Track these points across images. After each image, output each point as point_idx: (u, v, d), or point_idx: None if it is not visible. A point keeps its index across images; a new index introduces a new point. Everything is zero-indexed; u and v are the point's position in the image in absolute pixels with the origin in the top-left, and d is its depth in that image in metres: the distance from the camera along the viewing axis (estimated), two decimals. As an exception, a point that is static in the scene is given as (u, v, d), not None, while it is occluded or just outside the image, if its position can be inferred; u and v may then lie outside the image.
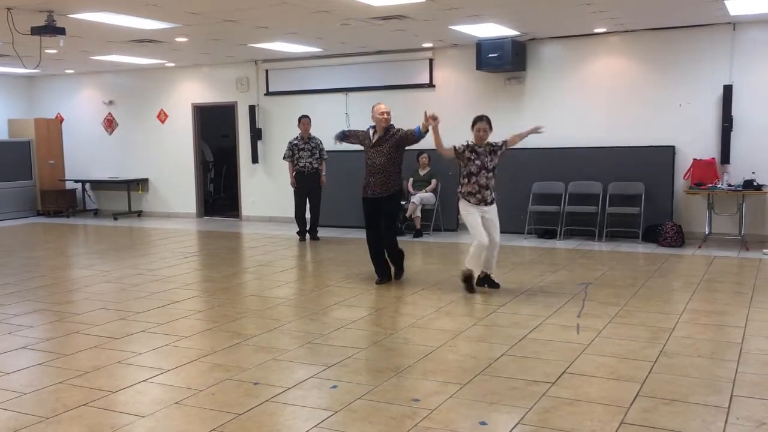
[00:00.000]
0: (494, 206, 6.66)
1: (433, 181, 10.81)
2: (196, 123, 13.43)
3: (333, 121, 11.79)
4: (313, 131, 10.53)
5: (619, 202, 9.95)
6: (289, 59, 12.10)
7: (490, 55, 10.10)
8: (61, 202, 14.31)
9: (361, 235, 10.75)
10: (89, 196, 14.58)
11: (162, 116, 13.72)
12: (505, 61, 10.03)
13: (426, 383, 4.28)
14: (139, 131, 14.00)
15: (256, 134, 12.69)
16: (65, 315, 6.21)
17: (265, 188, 12.79)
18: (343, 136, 7.43)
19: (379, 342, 5.18)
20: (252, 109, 12.65)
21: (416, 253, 9.48)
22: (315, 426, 3.67)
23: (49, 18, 7.44)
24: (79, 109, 14.57)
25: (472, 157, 6.62)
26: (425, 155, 10.84)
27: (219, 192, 15.08)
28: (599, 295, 6.54)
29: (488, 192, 6.60)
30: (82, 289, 7.34)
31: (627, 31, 9.91)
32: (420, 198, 10.61)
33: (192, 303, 6.67)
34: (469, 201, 6.61)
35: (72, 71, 13.91)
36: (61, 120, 14.75)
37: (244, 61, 12.56)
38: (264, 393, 4.15)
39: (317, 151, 10.35)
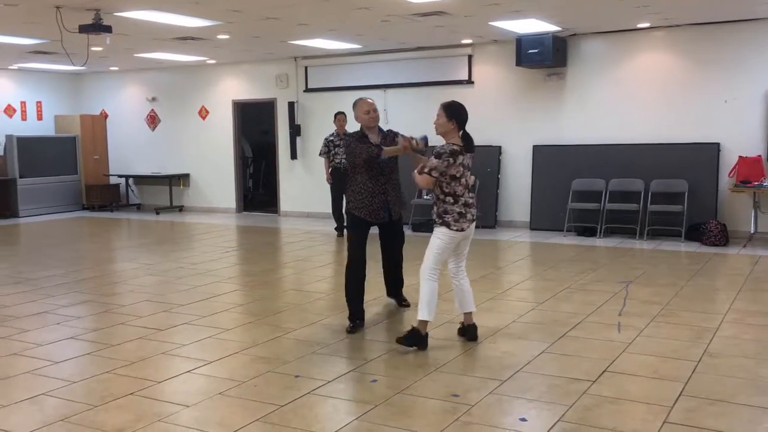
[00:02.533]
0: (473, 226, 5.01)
1: (472, 178, 10.74)
2: (236, 119, 13.60)
3: (371, 117, 11.84)
4: (350, 128, 10.56)
5: (662, 200, 9.79)
6: (328, 56, 12.18)
7: (530, 51, 10.02)
8: (106, 197, 14.62)
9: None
10: (132, 190, 14.88)
11: (203, 112, 13.92)
12: (546, 56, 9.94)
13: (465, 379, 4.29)
14: (180, 127, 14.23)
15: (294, 130, 12.79)
16: (111, 306, 6.37)
17: (303, 184, 12.89)
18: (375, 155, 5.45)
19: (418, 337, 5.19)
20: (291, 106, 12.76)
21: (454, 249, 9.46)
22: (355, 419, 3.72)
23: (96, 16, 7.61)
24: (123, 105, 14.86)
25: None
26: (464, 152, 10.80)
27: (258, 187, 15.25)
28: (641, 294, 6.45)
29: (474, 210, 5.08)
30: (127, 282, 7.51)
31: (671, 26, 9.74)
32: (458, 194, 10.57)
33: (233, 296, 6.77)
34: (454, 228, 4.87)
35: (117, 68, 14.20)
36: (106, 116, 15.06)
37: (283, 58, 12.67)
38: (305, 386, 4.21)
39: (354, 148, 10.38)
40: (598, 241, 9.70)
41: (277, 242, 10.59)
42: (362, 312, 5.55)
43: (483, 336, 5.19)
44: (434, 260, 4.86)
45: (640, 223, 9.84)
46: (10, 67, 13.59)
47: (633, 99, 10.15)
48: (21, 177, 13.46)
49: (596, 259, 8.47)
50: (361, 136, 5.53)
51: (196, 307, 6.22)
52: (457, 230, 4.82)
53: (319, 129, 12.19)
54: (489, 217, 10.96)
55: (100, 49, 10.41)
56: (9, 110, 13.99)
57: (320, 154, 10.53)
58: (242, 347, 5.03)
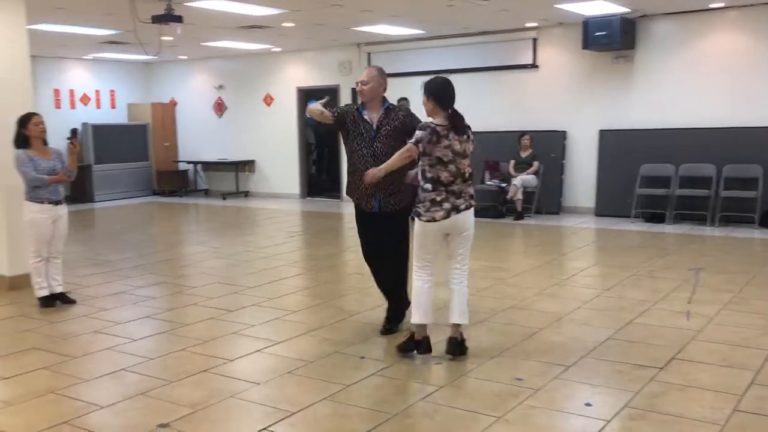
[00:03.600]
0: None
1: (535, 164, 10.66)
2: (301, 106, 13.79)
3: (434, 102, 11.84)
4: (415, 113, 10.58)
5: (735, 186, 9.47)
6: (391, 42, 12.20)
7: (597, 34, 9.82)
8: (175, 182, 15.08)
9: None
10: (200, 176, 15.29)
11: (268, 99, 14.18)
12: (614, 39, 9.72)
13: (530, 363, 4.30)
14: (246, 114, 14.52)
15: (357, 116, 12.88)
16: (184, 288, 6.61)
17: (367, 170, 12.98)
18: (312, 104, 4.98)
19: (481, 322, 5.22)
20: (354, 92, 12.84)
21: (517, 236, 9.42)
22: (420, 400, 3.78)
23: (168, 6, 7.84)
24: (192, 93, 15.25)
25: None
26: (527, 137, 10.70)
27: (321, 173, 15.44)
28: (711, 282, 6.30)
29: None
30: (197, 264, 7.77)
31: (746, 6, 9.37)
32: (521, 180, 10.50)
33: (299, 280, 6.93)
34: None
35: (185, 57, 14.57)
36: (175, 104, 15.50)
37: (347, 45, 12.77)
38: (370, 367, 4.30)
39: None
40: (667, 228, 9.47)
41: (340, 227, 10.73)
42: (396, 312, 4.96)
43: (546, 321, 5.17)
44: (415, 255, 4.39)
45: (711, 210, 9.55)
46: (85, 57, 14.12)
47: (704, 81, 9.83)
48: (96, 163, 14.01)
49: (665, 245, 8.29)
50: (353, 110, 4.85)
51: (263, 290, 6.40)
52: (427, 221, 4.21)
53: (381, 115, 12.23)
54: (553, 203, 10.84)
55: (170, 38, 10.70)
56: (84, 99, 14.55)
57: (383, 140, 10.58)
58: (309, 329, 5.16)
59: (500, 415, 3.54)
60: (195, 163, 15.09)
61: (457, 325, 4.40)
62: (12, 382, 4.21)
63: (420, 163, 4.23)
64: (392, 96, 10.93)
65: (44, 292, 5.86)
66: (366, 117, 4.77)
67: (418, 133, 4.20)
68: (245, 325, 5.28)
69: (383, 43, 12.38)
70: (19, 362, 4.56)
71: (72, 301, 5.99)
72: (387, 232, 4.80)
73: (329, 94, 13.22)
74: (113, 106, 15.09)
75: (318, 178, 14.98)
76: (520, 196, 10.47)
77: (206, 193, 15.15)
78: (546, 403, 3.69)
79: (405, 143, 4.32)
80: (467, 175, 4.33)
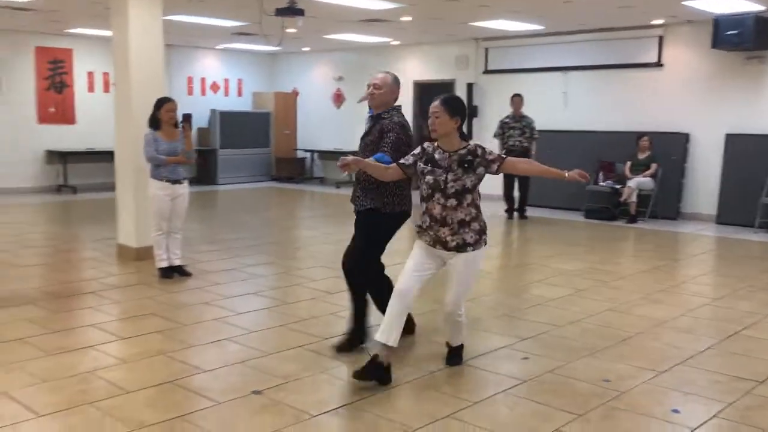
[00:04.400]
0: (466, 256, 3.89)
1: (653, 166, 10.27)
2: (416, 99, 13.94)
3: (549, 100, 11.65)
4: (529, 110, 10.49)
5: None
6: (508, 37, 12.10)
7: (728, 32, 9.31)
8: (293, 169, 15.68)
9: (570, 216, 10.61)
10: (317, 164, 15.80)
11: (385, 92, 14.41)
12: (746, 38, 9.18)
13: (620, 366, 4.22)
14: (363, 106, 14.79)
15: (471, 112, 12.89)
16: (290, 269, 6.93)
17: (478, 165, 12.96)
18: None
19: (576, 322, 5.16)
20: (469, 87, 12.86)
21: (627, 239, 9.13)
22: (501, 391, 3.83)
23: (290, 1, 8.19)
24: (312, 84, 15.77)
25: (426, 170, 3.92)
26: (646, 138, 10.32)
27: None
28: (834, 299, 5.89)
29: (447, 230, 3.86)
30: (306, 248, 8.10)
31: None
32: (636, 182, 10.15)
33: (399, 268, 7.06)
34: (421, 239, 4.00)
35: (308, 49, 15.09)
36: (297, 94, 16.08)
37: (464, 39, 12.78)
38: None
39: (528, 130, 10.28)
40: (794, 240, 8.88)
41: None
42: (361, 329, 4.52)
43: (645, 326, 5.03)
44: (471, 289, 4.17)
45: None
46: (216, 47, 14.93)
47: None
48: (221, 148, 14.81)
49: (788, 258, 7.79)
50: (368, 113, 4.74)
51: (365, 275, 6.58)
52: (423, 240, 3.96)
53: (495, 111, 12.16)
54: (670, 208, 10.40)
55: (293, 30, 11.14)
56: (214, 87, 15.39)
57: (494, 136, 10.56)
58: (402, 315, 5.28)
59: (581, 414, 3.52)
60: (312, 151, 15.61)
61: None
62: (129, 343, 4.62)
63: (477, 188, 3.93)
64: (507, 92, 10.92)
65: (164, 264, 6.33)
66: (366, 121, 4.63)
67: (494, 156, 3.91)
68: (343, 308, 5.46)
69: (501, 39, 12.30)
70: (137, 325, 4.98)
71: (188, 274, 6.43)
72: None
73: (445, 88, 13.34)
74: (240, 94, 15.86)
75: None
76: (634, 198, 10.13)
77: (321, 181, 15.63)
78: (630, 406, 3.63)
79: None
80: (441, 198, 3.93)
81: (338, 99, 15.31)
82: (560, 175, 4.03)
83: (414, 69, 13.88)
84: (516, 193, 10.51)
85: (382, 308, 4.25)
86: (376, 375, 3.84)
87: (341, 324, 5.05)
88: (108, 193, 11.65)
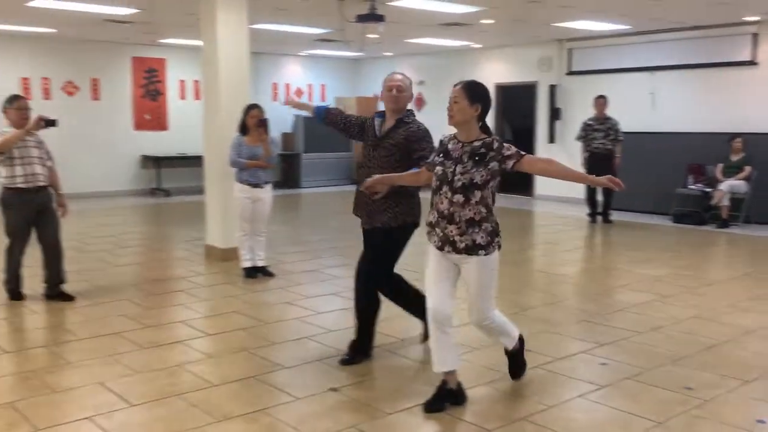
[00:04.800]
0: (479, 260, 3.54)
1: (747, 168, 9.84)
2: (498, 102, 13.85)
3: (635, 101, 11.35)
4: (614, 112, 10.25)
5: None
6: (593, 38, 11.87)
7: (829, 27, 8.83)
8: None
9: (657, 221, 10.29)
10: (398, 168, 15.91)
11: (466, 95, 14.39)
12: None
13: (703, 374, 4.10)
14: (443, 110, 14.78)
15: (554, 114, 12.71)
16: (369, 270, 7.03)
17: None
18: (326, 114, 4.59)
19: (659, 328, 5.03)
20: (552, 89, 12.68)
21: (718, 244, 8.79)
22: (579, 396, 3.79)
23: (371, 6, 8.32)
24: (394, 88, 15.90)
25: (437, 161, 3.73)
26: (739, 140, 9.90)
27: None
28: None
29: (455, 228, 3.53)
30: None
31: None
32: (729, 185, 9.75)
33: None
34: (431, 240, 3.71)
35: (390, 54, 15.25)
36: (378, 98, 16.26)
37: (547, 41, 12.61)
38: (534, 359, 4.34)
39: (612, 132, 10.04)
40: None
41: (529, 224, 10.69)
42: (365, 342, 4.39)
43: (731, 335, 4.85)
44: (492, 296, 3.71)
45: None
46: (300, 54, 15.30)
47: None
48: (305, 152, 15.15)
49: None
50: (375, 117, 4.37)
51: (442, 278, 6.62)
52: (432, 244, 3.67)
53: (579, 113, 11.94)
54: (766, 213, 9.93)
55: (375, 36, 11.29)
56: (298, 92, 15.77)
57: (577, 138, 10.38)
58: (479, 318, 5.29)
59: (661, 421, 3.45)
60: (393, 155, 15.72)
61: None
62: (215, 339, 4.83)
63: (491, 184, 3.54)
64: (591, 94, 10.71)
65: (248, 264, 6.57)
66: (376, 124, 4.31)
67: (511, 151, 3.55)
68: (420, 309, 5.54)
69: (586, 39, 12.07)
70: (222, 323, 5.20)
71: (271, 275, 6.64)
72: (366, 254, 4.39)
73: (528, 90, 13.20)
74: (323, 99, 16.18)
75: (509, 174, 14.91)
76: (726, 202, 9.73)
77: (402, 184, 15.73)
78: (713, 414, 3.53)
79: (409, 159, 3.99)
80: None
81: (419, 103, 15.39)
82: (586, 180, 3.94)
83: (495, 71, 13.80)
84: (599, 197, 10.29)
85: (416, 313, 4.46)
86: (447, 401, 3.64)
87: (418, 325, 5.11)
88: (198, 196, 12.14)
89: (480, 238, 3.49)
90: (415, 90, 15.32)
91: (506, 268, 7.11)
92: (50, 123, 5.44)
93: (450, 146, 3.67)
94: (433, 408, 3.58)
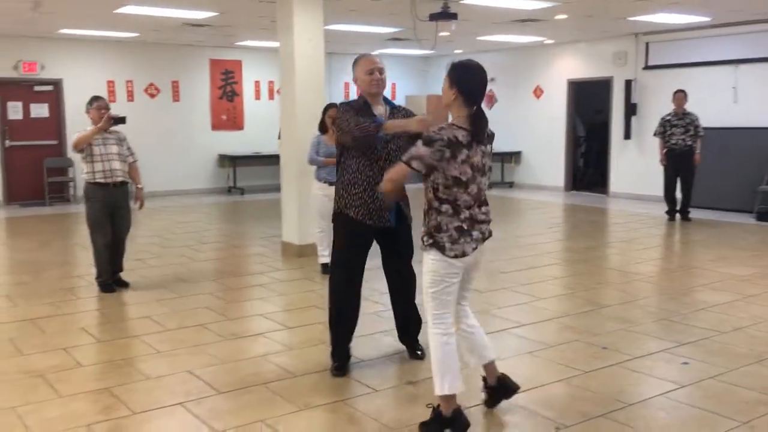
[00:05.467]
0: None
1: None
2: (570, 98, 13.66)
3: (717, 95, 10.99)
4: (694, 107, 9.96)
5: None
6: (671, 31, 11.55)
7: None
8: (444, 171, 15.86)
9: (739, 218, 9.94)
10: (468, 166, 15.87)
11: (538, 92, 14.25)
12: None
13: (791, 376, 3.98)
14: (515, 106, 14.75)
15: (630, 109, 12.43)
16: (441, 267, 7.08)
17: (636, 165, 12.47)
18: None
19: (742, 328, 4.90)
20: (628, 84, 12.41)
21: (806, 243, 8.45)
22: (659, 395, 3.74)
23: (444, 5, 8.36)
24: (464, 86, 15.86)
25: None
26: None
27: (588, 167, 15.13)
28: None
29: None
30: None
31: None
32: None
33: (551, 269, 7.03)
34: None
35: (460, 51, 15.22)
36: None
37: (622, 35, 12.34)
38: (612, 357, 4.32)
39: (692, 128, 9.75)
40: None
41: (603, 222, 10.51)
42: (346, 353, 4.22)
43: (822, 336, 4.68)
44: (433, 303, 3.31)
45: None
46: (371, 53, 15.42)
47: None
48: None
49: None
50: (361, 105, 4.01)
51: (516, 275, 6.62)
52: (455, 256, 3.26)
53: (656, 108, 11.65)
54: None
55: (446, 34, 11.32)
56: (369, 92, 15.94)
57: (655, 134, 10.13)
58: (554, 315, 5.28)
59: (745, 421, 3.38)
60: (464, 153, 15.69)
61: (493, 362, 3.56)
62: (294, 332, 4.99)
63: (429, 178, 3.27)
64: (669, 88, 10.43)
65: (325, 260, 6.71)
66: (377, 114, 4.01)
67: (420, 150, 3.18)
68: (494, 306, 5.56)
69: (663, 32, 11.76)
70: (301, 316, 5.36)
71: (337, 271, 6.76)
72: (401, 249, 4.21)
73: (602, 86, 12.96)
74: (393, 98, 16.28)
75: (585, 172, 14.71)
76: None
77: (472, 182, 15.69)
78: (802, 417, 3.44)
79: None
80: (484, 196, 3.41)
81: (490, 100, 15.31)
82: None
83: (568, 67, 13.61)
84: (678, 194, 10.02)
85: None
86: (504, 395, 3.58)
87: (494, 321, 5.14)
88: (271, 195, 12.47)
89: (423, 230, 3.34)
90: (487, 87, 15.27)
91: (579, 266, 7.08)
92: (119, 120, 5.84)
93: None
94: (428, 430, 3.35)
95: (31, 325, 5.12)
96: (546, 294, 5.95)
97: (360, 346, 4.64)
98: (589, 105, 14.19)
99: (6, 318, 5.32)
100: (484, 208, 3.39)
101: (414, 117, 3.92)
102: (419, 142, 3.21)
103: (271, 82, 14.29)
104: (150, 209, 10.83)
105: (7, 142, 12.01)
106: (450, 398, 3.29)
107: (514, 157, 14.75)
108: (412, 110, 4.21)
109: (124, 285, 6.22)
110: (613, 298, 5.83)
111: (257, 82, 14.38)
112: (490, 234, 3.45)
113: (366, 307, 5.51)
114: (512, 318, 5.22)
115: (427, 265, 3.31)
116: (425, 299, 3.35)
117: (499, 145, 14.80)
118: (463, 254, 3.26)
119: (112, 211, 6.00)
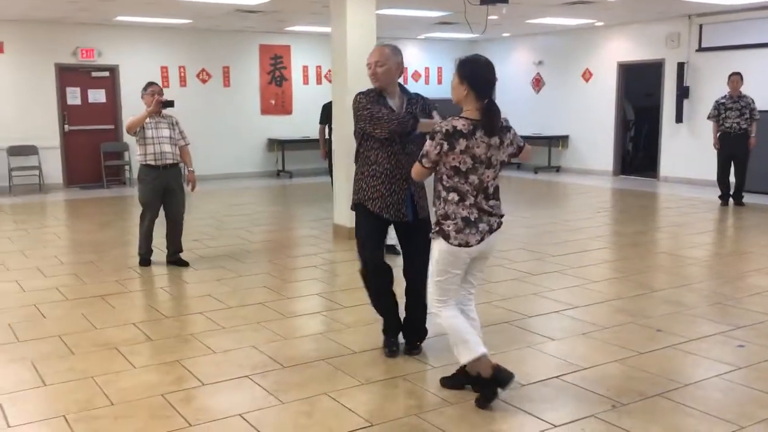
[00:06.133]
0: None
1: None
2: (620, 81, 13.48)
3: (773, 77, 10.76)
4: (750, 89, 9.77)
5: None
6: (727, 12, 11.30)
7: None
8: (490, 155, 15.83)
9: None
10: (514, 150, 15.81)
11: (587, 75, 14.10)
12: None
13: None
14: (563, 90, 14.63)
15: (682, 93, 12.22)
16: (491, 250, 7.16)
17: (688, 149, 12.29)
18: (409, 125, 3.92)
19: (800, 313, 4.88)
20: (680, 67, 12.20)
21: None
22: (715, 376, 3.78)
23: (495, -12, 8.36)
24: (511, 69, 15.79)
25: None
26: None
27: (638, 151, 14.95)
28: None
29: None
30: (505, 231, 8.24)
31: None
32: None
33: (601, 253, 7.04)
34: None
35: (508, 34, 15.14)
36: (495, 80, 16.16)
37: (676, 16, 12.12)
38: (666, 340, 4.36)
39: (747, 111, 9.57)
40: None
41: (654, 206, 10.41)
42: (399, 327, 4.22)
43: None
44: (437, 291, 3.47)
45: None
46: (418, 37, 15.47)
47: None
48: (422, 134, 15.34)
49: None
50: (375, 96, 3.98)
51: (566, 259, 6.65)
52: (459, 245, 3.35)
53: (710, 91, 11.45)
54: None
55: (496, 17, 11.27)
56: (415, 75, 15.97)
57: (709, 117, 9.98)
58: (606, 298, 5.32)
59: (803, 403, 3.40)
60: (511, 137, 15.63)
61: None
62: (350, 311, 5.13)
63: (437, 168, 3.41)
64: (724, 71, 10.22)
65: (391, 241, 6.84)
66: (392, 106, 3.97)
67: (426, 146, 3.36)
68: (546, 288, 5.62)
69: (718, 14, 11.52)
70: (355, 296, 5.47)
71: (399, 253, 6.87)
72: (417, 246, 4.04)
73: (653, 69, 12.76)
74: (439, 82, 16.29)
75: (634, 156, 14.54)
76: None
77: (519, 166, 15.64)
78: None
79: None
80: (491, 190, 3.42)
81: (537, 84, 15.22)
82: None
83: (619, 49, 13.43)
84: (732, 178, 9.86)
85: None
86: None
87: (546, 303, 5.21)
88: (318, 178, 12.66)
89: (433, 221, 3.52)
90: (534, 70, 15.21)
91: (629, 250, 7.07)
92: (167, 104, 6.09)
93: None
94: (449, 383, 3.61)
95: (101, 301, 5.38)
96: (597, 277, 5.98)
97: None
98: (639, 88, 13.99)
99: (77, 294, 5.59)
100: (491, 202, 3.42)
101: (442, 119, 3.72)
102: (428, 137, 3.38)
103: (318, 67, 14.44)
104: (203, 192, 11.14)
105: (67, 127, 12.42)
106: (481, 360, 3.39)
107: (561, 141, 14.65)
108: (430, 100, 4.14)
109: (184, 264, 6.47)
110: (665, 281, 5.83)
111: (305, 67, 14.53)
112: (499, 226, 3.49)
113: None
114: (564, 300, 5.27)
115: (434, 254, 3.46)
116: (430, 286, 3.53)
117: (545, 129, 14.77)
118: (467, 244, 3.35)
119: (163, 192, 6.28)
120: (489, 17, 10.26)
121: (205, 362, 4.09)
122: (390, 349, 4.16)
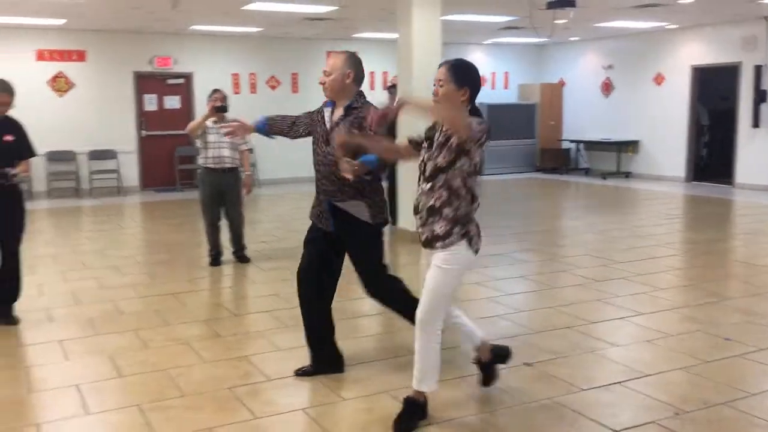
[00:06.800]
0: (436, 255, 3.22)
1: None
2: (694, 85, 13.12)
3: None
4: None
5: None
6: (808, 12, 10.88)
7: None
8: (557, 160, 15.66)
9: None
10: (582, 155, 15.60)
11: (659, 79, 13.77)
12: None
13: None
14: (634, 94, 14.33)
15: (759, 96, 11.81)
16: (555, 256, 7.11)
17: (765, 155, 11.86)
18: (268, 126, 4.04)
19: None
20: (757, 70, 11.79)
21: None
22: (785, 387, 3.68)
23: (562, -8, 8.32)
24: (580, 73, 15.57)
25: (425, 145, 3.37)
26: None
27: (712, 157, 14.49)
28: None
29: (418, 219, 3.28)
30: (570, 237, 8.19)
31: None
32: None
33: (671, 260, 6.89)
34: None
35: (576, 38, 14.94)
36: (563, 84, 16.00)
37: (752, 18, 11.73)
38: (734, 349, 4.25)
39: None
40: None
41: (728, 214, 10.09)
42: (322, 351, 4.04)
43: None
44: (438, 306, 3.22)
45: None
46: (484, 42, 15.44)
47: None
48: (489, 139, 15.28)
49: None
50: (325, 105, 3.86)
51: (632, 265, 6.54)
52: (476, 251, 3.24)
53: (788, 94, 11.04)
54: None
55: (563, 21, 11.18)
56: (482, 81, 15.93)
57: (786, 122, 9.62)
58: (673, 306, 5.22)
59: None
60: (578, 142, 15.44)
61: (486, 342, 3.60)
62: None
63: (456, 165, 3.13)
64: None
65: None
66: (326, 115, 3.82)
67: (475, 122, 3.06)
68: (611, 295, 5.55)
69: (798, 14, 11.09)
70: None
71: (460, 256, 6.92)
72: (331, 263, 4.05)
73: (729, 72, 12.36)
74: (506, 87, 16.23)
75: (708, 162, 14.10)
76: None
77: (587, 172, 15.40)
78: None
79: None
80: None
81: (607, 88, 14.96)
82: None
83: (692, 53, 13.07)
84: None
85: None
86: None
87: (609, 310, 5.16)
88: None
89: (439, 228, 3.15)
90: (603, 75, 14.95)
91: (701, 258, 6.90)
92: (220, 109, 6.34)
93: (435, 134, 3.25)
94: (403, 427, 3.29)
95: (173, 298, 5.61)
96: (665, 285, 5.87)
97: (468, 307, 4.78)
98: (713, 92, 13.57)
99: (150, 292, 5.85)
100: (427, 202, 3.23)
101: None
102: (476, 123, 3.04)
103: (385, 73, 14.58)
104: (272, 195, 11.42)
105: (143, 132, 12.95)
106: (481, 348, 3.60)
107: (632, 146, 14.35)
108: (375, 105, 3.67)
109: (246, 260, 6.77)
110: (737, 290, 5.68)
111: (372, 73, 14.69)
112: (429, 239, 3.25)
113: (481, 293, 5.68)
114: (629, 307, 5.20)
115: (449, 260, 3.14)
116: (433, 300, 3.19)
117: (615, 134, 14.49)
118: (477, 251, 3.24)
119: (220, 195, 6.52)
120: (556, 21, 10.19)
121: (271, 359, 4.23)
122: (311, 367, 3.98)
